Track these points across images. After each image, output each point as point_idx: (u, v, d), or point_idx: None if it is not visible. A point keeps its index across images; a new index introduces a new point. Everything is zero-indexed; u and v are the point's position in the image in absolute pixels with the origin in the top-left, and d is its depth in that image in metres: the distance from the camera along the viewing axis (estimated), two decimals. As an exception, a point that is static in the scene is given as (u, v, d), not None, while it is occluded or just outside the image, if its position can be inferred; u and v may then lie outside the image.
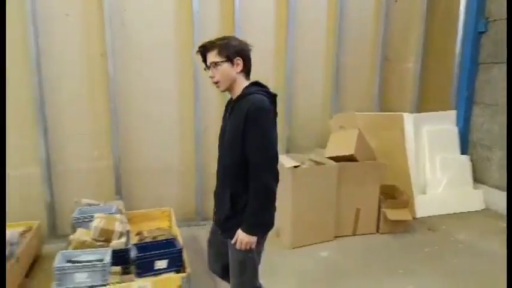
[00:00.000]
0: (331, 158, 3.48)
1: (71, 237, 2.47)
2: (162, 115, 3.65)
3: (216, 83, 1.71)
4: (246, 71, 1.75)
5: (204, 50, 1.72)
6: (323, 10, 4.10)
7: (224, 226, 1.76)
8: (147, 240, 2.80)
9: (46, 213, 3.38)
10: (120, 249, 2.37)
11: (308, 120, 4.20)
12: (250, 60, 1.76)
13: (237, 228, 1.67)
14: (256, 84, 1.76)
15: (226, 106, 1.81)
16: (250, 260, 1.72)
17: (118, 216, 2.64)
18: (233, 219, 1.69)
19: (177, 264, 2.36)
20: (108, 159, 3.54)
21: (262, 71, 3.82)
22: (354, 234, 3.51)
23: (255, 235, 1.66)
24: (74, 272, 2.08)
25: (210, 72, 1.71)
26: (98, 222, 2.45)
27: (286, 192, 3.21)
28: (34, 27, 3.12)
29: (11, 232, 2.59)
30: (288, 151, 4.02)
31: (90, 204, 3.06)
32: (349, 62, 4.28)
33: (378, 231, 3.56)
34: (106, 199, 3.40)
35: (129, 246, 2.43)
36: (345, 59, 4.24)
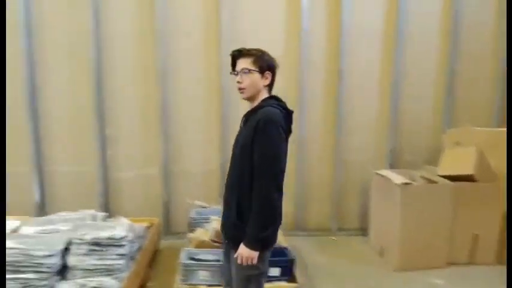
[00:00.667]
0: (445, 176, 3.23)
1: (191, 235, 2.70)
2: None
3: (242, 89, 1.72)
4: (271, 86, 1.78)
5: (239, 54, 1.75)
6: (435, 13, 3.84)
7: (229, 233, 1.74)
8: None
9: (162, 211, 3.74)
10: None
11: (416, 134, 3.96)
12: (276, 77, 1.80)
13: (241, 238, 1.63)
14: (274, 98, 1.77)
15: (244, 116, 1.80)
16: (255, 278, 1.67)
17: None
18: (239, 228, 1.65)
19: (288, 273, 2.42)
20: (216, 163, 3.79)
21: (367, 80, 3.82)
22: (470, 263, 3.19)
23: (256, 250, 1.60)
24: (197, 270, 2.27)
25: (238, 77, 1.73)
26: (215, 224, 2.63)
27: (394, 209, 3.06)
28: (161, 44, 3.51)
29: (140, 226, 2.93)
30: (392, 166, 3.83)
31: (202, 206, 3.31)
32: (464, 70, 3.92)
33: (499, 262, 3.18)
34: (212, 201, 3.64)
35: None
36: (460, 67, 3.90)
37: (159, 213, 3.70)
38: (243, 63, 1.71)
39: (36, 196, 3.60)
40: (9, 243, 2.19)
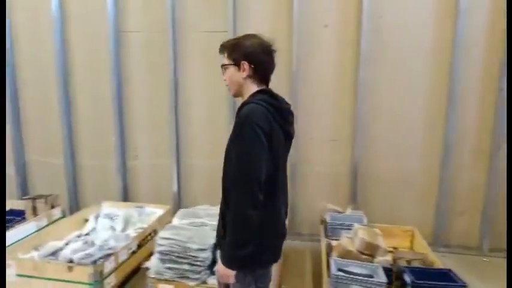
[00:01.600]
0: None
1: (335, 243, 2.52)
2: (408, 121, 3.40)
3: (227, 86, 1.54)
4: (259, 76, 1.50)
5: (220, 50, 1.55)
6: None
7: (218, 244, 1.55)
8: (401, 262, 2.59)
9: (289, 210, 3.64)
10: (387, 268, 2.25)
11: None
12: (266, 64, 1.51)
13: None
14: (265, 92, 1.48)
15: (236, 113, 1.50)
16: None
17: (377, 230, 2.54)
18: (222, 238, 1.46)
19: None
20: (346, 164, 3.54)
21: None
22: None
23: (231, 269, 1.39)
24: (349, 284, 2.07)
25: (223, 75, 1.54)
26: (362, 234, 2.40)
27: None
28: (296, 38, 3.38)
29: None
30: None
31: (337, 211, 3.10)
32: None
33: None
34: (341, 205, 3.41)
35: (401, 267, 2.27)
36: None
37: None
38: (223, 59, 1.54)
39: (174, 187, 3.83)
40: (166, 234, 2.29)
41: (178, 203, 3.80)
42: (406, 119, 3.40)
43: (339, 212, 3.08)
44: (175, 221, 2.58)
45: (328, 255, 2.46)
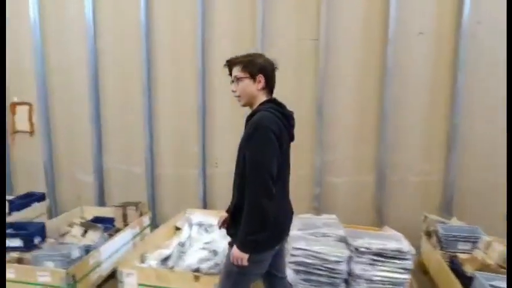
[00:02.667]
0: None
1: (464, 256, 2.45)
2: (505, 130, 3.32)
3: (238, 97, 1.78)
4: (268, 88, 1.78)
5: (230, 64, 1.78)
6: None
7: (227, 232, 1.84)
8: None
9: (374, 218, 3.59)
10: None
11: None
12: (274, 78, 1.79)
13: (234, 239, 1.73)
14: (272, 101, 1.77)
15: (246, 119, 1.77)
16: (236, 275, 1.72)
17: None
18: (232, 229, 1.77)
19: None
20: (440, 173, 3.47)
21: None
22: None
23: (246, 252, 1.66)
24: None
25: (233, 86, 1.77)
26: (498, 246, 2.32)
27: None
28: (391, 45, 3.35)
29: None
30: None
31: (440, 221, 3.03)
32: None
33: None
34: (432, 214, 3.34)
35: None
36: None
37: (368, 220, 3.57)
38: (235, 71, 1.76)
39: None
40: (299, 244, 2.26)
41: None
42: (503, 128, 3.32)
43: (443, 222, 3.00)
44: (298, 231, 2.54)
45: (456, 269, 2.38)
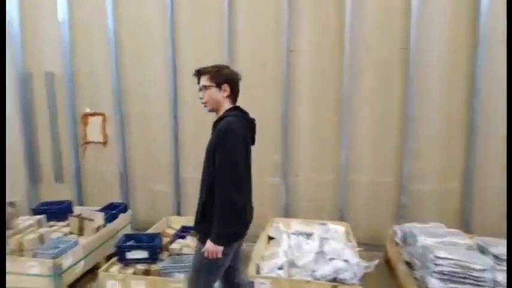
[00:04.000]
0: None
1: None
2: None
3: (204, 103, 1.99)
4: (233, 96, 2.00)
5: (198, 74, 2.00)
6: None
7: (196, 228, 2.00)
8: None
9: (461, 226, 3.66)
10: None
11: None
12: (238, 87, 2.02)
13: (204, 234, 1.89)
14: (237, 108, 2.00)
15: (213, 124, 1.98)
16: (206, 270, 1.92)
17: None
18: (202, 224, 1.92)
19: None
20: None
21: None
22: None
23: (221, 245, 1.83)
24: None
25: (200, 93, 1.99)
26: None
27: None
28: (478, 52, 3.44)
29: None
30: None
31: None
32: None
33: None
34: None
35: None
36: None
37: (454, 225, 3.63)
38: (203, 80, 1.98)
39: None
40: (442, 253, 2.32)
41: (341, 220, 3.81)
42: None
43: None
44: (426, 239, 2.59)
45: None
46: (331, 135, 3.81)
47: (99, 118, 4.21)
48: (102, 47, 4.05)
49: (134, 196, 4.28)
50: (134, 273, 2.63)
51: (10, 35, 4.11)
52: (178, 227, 3.70)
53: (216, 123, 1.95)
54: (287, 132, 3.87)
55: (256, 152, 3.83)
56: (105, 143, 4.24)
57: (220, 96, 1.95)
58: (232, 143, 1.81)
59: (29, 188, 4.41)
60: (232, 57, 3.83)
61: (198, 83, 2.01)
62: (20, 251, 2.83)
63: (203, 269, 1.93)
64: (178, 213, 4.15)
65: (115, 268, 2.73)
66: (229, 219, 1.81)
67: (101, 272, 2.63)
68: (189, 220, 3.69)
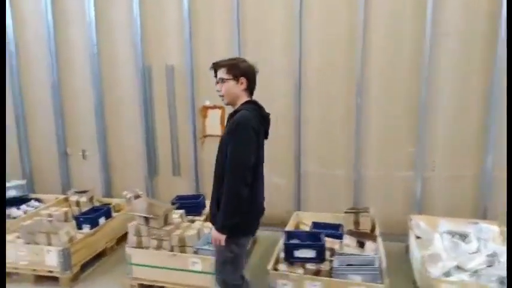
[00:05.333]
0: None
1: None
2: None
3: (222, 96, 1.99)
4: (250, 89, 2.01)
5: (215, 67, 1.99)
6: None
7: (212, 221, 2.00)
8: None
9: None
10: None
11: None
12: (255, 80, 2.02)
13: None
14: (252, 102, 2.00)
15: (228, 116, 2.00)
16: (230, 260, 1.98)
17: None
18: (216, 215, 1.94)
19: None
20: None
21: None
22: None
23: (223, 233, 1.88)
24: None
25: (217, 86, 1.99)
26: None
27: None
28: None
29: None
30: None
31: None
32: None
33: None
34: None
35: None
36: None
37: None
38: (220, 73, 1.98)
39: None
40: None
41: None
42: None
43: None
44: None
45: None
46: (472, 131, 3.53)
47: (219, 111, 4.18)
48: (223, 41, 3.99)
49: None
50: (304, 274, 2.56)
51: (132, 30, 4.16)
52: (308, 222, 3.60)
53: (231, 116, 1.98)
54: (425, 125, 3.63)
55: (387, 145, 3.74)
56: (223, 136, 4.21)
57: (238, 89, 1.97)
58: (243, 136, 1.85)
59: (146, 182, 4.50)
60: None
61: (215, 76, 2.02)
62: (181, 246, 2.86)
63: (228, 262, 1.99)
64: (298, 208, 4.06)
65: (281, 266, 2.68)
66: (235, 210, 1.85)
67: (271, 271, 2.59)
68: (317, 216, 3.61)
